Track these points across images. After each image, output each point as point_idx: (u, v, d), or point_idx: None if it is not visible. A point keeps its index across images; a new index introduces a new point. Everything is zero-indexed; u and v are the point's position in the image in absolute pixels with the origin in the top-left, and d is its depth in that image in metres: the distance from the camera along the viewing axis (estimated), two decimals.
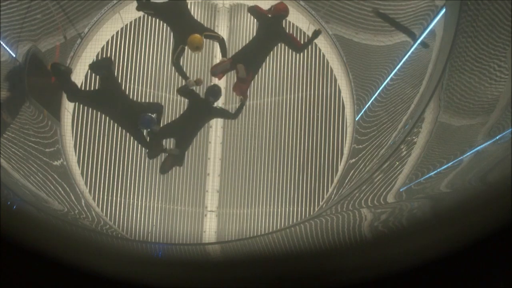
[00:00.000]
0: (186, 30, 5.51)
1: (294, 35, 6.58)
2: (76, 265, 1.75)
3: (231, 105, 7.03)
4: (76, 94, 5.69)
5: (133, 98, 6.46)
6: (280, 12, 5.66)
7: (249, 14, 5.91)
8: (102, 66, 5.66)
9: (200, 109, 5.66)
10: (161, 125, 5.75)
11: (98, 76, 5.79)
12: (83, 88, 6.32)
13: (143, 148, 5.99)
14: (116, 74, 6.38)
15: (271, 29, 5.64)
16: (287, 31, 6.30)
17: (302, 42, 5.87)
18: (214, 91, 5.66)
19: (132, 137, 5.68)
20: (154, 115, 5.59)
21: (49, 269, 1.74)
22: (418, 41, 4.97)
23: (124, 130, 5.89)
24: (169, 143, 6.11)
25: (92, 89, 6.18)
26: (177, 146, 5.74)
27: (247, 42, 5.97)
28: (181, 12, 5.56)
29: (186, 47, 5.53)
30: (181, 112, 5.91)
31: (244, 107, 5.80)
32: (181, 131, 5.70)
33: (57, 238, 2.06)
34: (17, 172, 4.60)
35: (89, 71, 6.23)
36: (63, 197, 5.47)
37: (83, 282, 1.74)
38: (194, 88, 5.76)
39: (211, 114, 5.80)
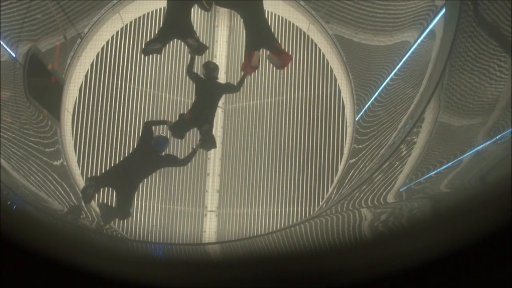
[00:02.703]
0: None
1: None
2: (76, 265, 1.75)
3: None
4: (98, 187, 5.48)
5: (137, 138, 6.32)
6: None
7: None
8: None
9: (207, 88, 5.71)
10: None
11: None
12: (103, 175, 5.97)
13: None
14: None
15: (245, 5, 5.60)
16: None
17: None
18: (211, 68, 5.71)
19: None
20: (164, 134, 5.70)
21: (49, 269, 1.74)
22: (418, 41, 4.97)
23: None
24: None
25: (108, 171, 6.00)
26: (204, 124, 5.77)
27: (245, 31, 5.90)
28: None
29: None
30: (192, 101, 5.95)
31: (245, 80, 5.78)
32: (200, 112, 5.72)
33: (57, 238, 2.06)
34: (17, 172, 4.61)
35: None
36: (63, 197, 5.47)
37: (82, 282, 1.74)
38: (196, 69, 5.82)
39: (219, 89, 5.82)
